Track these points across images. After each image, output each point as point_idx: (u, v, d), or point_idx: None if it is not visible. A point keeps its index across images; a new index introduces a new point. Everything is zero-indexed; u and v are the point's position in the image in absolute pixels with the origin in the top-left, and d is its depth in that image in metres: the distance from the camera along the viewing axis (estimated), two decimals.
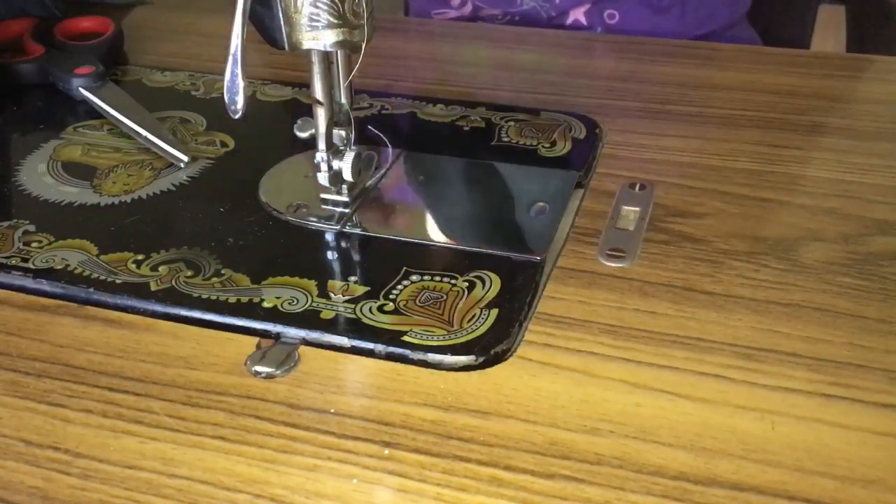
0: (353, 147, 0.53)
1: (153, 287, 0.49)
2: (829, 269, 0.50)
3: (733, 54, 0.74)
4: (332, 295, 0.48)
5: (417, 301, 0.47)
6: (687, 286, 0.49)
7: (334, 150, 0.53)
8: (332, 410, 0.42)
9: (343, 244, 0.53)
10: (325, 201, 0.55)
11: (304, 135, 0.53)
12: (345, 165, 0.53)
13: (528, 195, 0.56)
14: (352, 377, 0.44)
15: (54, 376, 0.44)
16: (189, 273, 0.50)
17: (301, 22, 0.48)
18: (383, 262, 0.51)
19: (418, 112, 0.65)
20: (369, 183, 0.57)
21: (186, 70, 0.71)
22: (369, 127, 0.58)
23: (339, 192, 0.54)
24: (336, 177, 0.54)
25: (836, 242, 0.52)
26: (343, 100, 0.53)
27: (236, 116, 0.48)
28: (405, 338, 0.45)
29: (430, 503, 0.38)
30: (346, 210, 0.54)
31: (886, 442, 0.40)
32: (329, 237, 0.53)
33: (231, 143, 0.62)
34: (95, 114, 0.65)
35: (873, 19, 1.07)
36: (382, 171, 0.58)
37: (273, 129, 0.64)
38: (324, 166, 0.53)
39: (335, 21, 0.48)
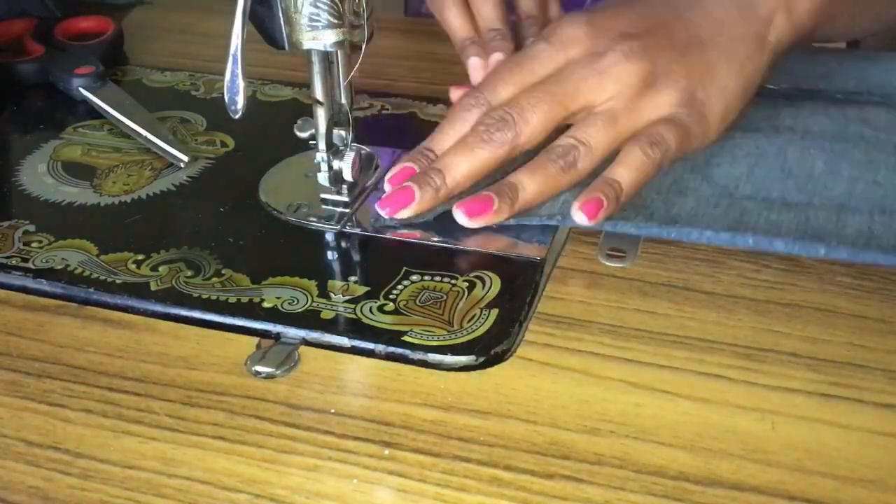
0: (352, 147, 0.53)
1: (153, 287, 0.49)
2: (829, 269, 0.50)
3: None
4: (332, 295, 0.48)
5: (417, 301, 0.47)
6: (687, 286, 0.49)
7: (334, 151, 0.53)
8: (332, 410, 0.42)
9: (343, 244, 0.53)
10: (325, 201, 0.55)
11: (304, 135, 0.53)
12: (345, 165, 0.53)
13: None
14: (352, 377, 0.44)
15: (54, 376, 0.44)
16: (189, 273, 0.50)
17: (301, 22, 0.48)
18: (383, 262, 0.51)
19: (418, 112, 0.65)
20: (369, 183, 0.57)
21: (186, 70, 0.71)
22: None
23: (339, 192, 0.54)
24: (336, 177, 0.54)
25: None
26: (343, 100, 0.53)
27: (236, 116, 0.48)
28: (405, 338, 0.45)
29: (430, 503, 0.38)
30: (346, 210, 0.54)
31: (886, 442, 0.40)
32: (329, 237, 0.53)
33: (231, 143, 0.62)
34: (95, 114, 0.65)
35: None
36: (383, 172, 0.58)
37: (273, 129, 0.64)
38: (324, 166, 0.53)
39: (335, 21, 0.48)
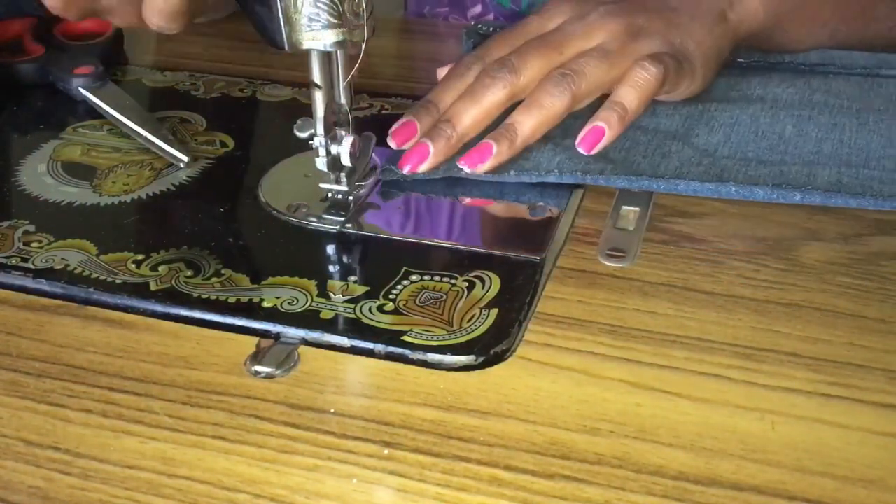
0: (350, 133, 0.53)
1: (153, 287, 0.49)
2: (829, 269, 0.50)
3: None
4: (331, 295, 0.48)
5: (417, 301, 0.47)
6: (687, 286, 0.49)
7: (332, 136, 0.53)
8: (332, 410, 0.42)
9: (343, 244, 0.53)
10: (325, 200, 0.55)
11: (303, 135, 0.53)
12: (343, 150, 0.53)
13: (528, 195, 0.56)
14: (352, 377, 0.44)
15: (54, 376, 0.44)
16: (189, 273, 0.50)
17: (301, 22, 0.48)
18: (383, 262, 0.51)
19: None
20: (369, 183, 0.57)
21: (186, 70, 0.71)
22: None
23: (337, 180, 0.54)
24: (335, 162, 0.53)
25: (836, 242, 0.52)
26: (343, 100, 0.53)
27: None
28: (405, 338, 0.45)
29: (430, 503, 0.38)
30: (346, 211, 0.54)
31: (886, 442, 0.40)
32: (329, 237, 0.53)
33: (231, 143, 0.62)
34: (95, 114, 0.65)
35: None
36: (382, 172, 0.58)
37: (273, 129, 0.64)
38: (322, 150, 0.53)
39: (335, 21, 0.48)
